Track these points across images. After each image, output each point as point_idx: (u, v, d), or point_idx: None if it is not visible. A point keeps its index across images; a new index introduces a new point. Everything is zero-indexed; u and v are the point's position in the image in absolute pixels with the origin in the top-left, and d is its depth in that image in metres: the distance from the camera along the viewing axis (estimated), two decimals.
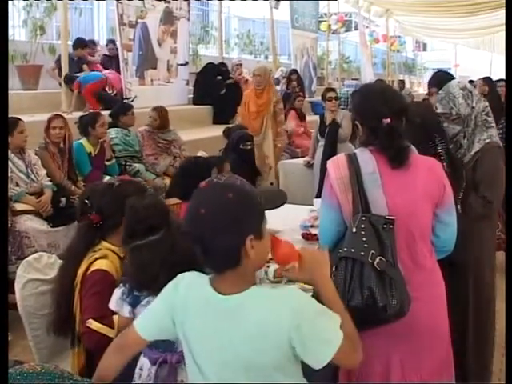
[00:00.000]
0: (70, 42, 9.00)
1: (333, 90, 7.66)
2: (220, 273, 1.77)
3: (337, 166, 2.47)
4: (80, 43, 9.08)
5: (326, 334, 1.75)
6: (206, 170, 3.64)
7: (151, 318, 1.94)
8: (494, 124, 3.35)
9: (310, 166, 7.46)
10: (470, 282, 3.35)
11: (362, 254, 2.26)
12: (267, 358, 1.74)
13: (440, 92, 3.43)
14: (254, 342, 1.72)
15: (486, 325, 3.50)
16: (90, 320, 2.40)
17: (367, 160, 2.43)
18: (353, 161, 2.44)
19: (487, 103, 3.37)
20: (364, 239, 2.28)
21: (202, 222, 1.69)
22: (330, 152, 6.43)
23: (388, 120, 2.40)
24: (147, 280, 2.26)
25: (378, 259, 2.24)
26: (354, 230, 2.31)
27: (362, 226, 2.30)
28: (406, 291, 2.28)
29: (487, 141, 3.25)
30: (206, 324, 1.78)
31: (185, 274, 1.89)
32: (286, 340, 1.71)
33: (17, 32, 9.79)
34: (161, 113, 6.91)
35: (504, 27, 15.77)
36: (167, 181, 6.60)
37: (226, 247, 1.69)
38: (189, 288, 1.85)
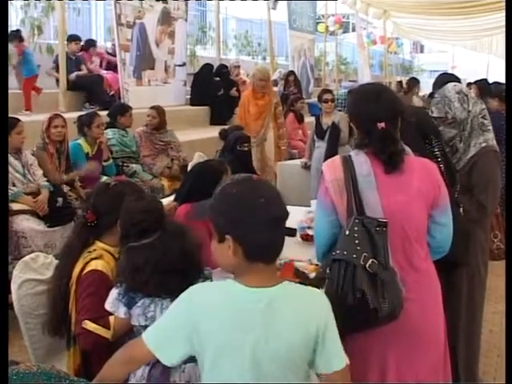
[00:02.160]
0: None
1: (329, 91, 7.65)
2: None
3: (332, 168, 2.47)
4: (71, 38, 9.11)
5: (339, 343, 1.86)
6: (219, 174, 3.62)
7: (164, 335, 1.85)
8: (490, 127, 3.35)
9: (307, 167, 7.45)
10: (463, 284, 3.37)
11: (355, 256, 2.26)
12: (296, 353, 1.81)
13: (436, 96, 3.42)
14: (287, 335, 1.78)
15: (475, 326, 3.52)
16: (86, 321, 2.39)
17: (362, 162, 2.43)
18: (348, 163, 2.44)
19: (484, 106, 3.37)
20: (357, 242, 2.27)
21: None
22: (331, 155, 6.42)
23: (382, 124, 2.40)
24: (138, 282, 2.27)
25: (370, 262, 2.24)
26: (347, 232, 2.30)
27: (355, 228, 2.30)
28: (398, 294, 2.29)
29: (483, 145, 3.26)
30: (237, 321, 1.78)
31: (193, 288, 1.87)
32: (313, 337, 1.81)
33: None
34: (159, 111, 6.95)
35: (501, 30, 15.83)
36: (164, 182, 6.62)
37: None
38: (207, 295, 1.84)
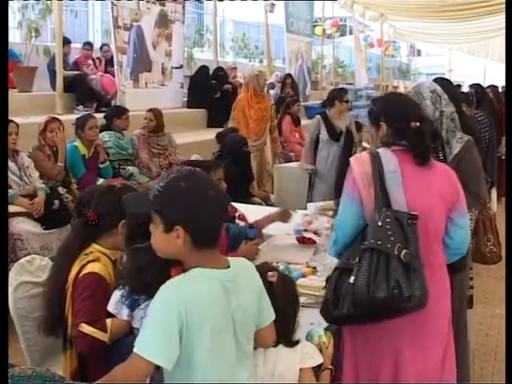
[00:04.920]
0: None
1: (346, 91, 7.39)
2: None
3: (360, 162, 2.60)
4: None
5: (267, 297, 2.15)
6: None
7: (160, 341, 1.82)
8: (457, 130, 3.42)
9: (313, 173, 6.87)
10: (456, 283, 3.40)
11: (389, 246, 2.37)
12: (254, 318, 2.05)
13: (410, 90, 3.52)
14: (250, 305, 2.01)
15: (465, 325, 3.55)
16: (83, 324, 2.38)
17: (390, 159, 2.57)
18: (376, 159, 2.57)
19: (454, 108, 3.41)
20: (389, 233, 2.40)
21: None
22: (347, 158, 6.19)
23: (417, 123, 2.59)
24: (142, 284, 2.25)
25: (404, 252, 2.36)
26: (380, 223, 2.42)
27: (388, 220, 2.42)
28: (425, 283, 2.40)
29: (466, 138, 3.33)
30: (221, 302, 1.91)
31: (169, 286, 1.89)
32: (259, 299, 2.06)
33: (11, 34, 9.76)
34: (157, 114, 6.93)
35: (498, 33, 15.85)
36: None
37: None
38: (190, 287, 1.88)
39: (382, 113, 2.77)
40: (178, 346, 1.82)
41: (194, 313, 1.82)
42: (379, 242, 2.39)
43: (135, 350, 1.81)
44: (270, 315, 2.13)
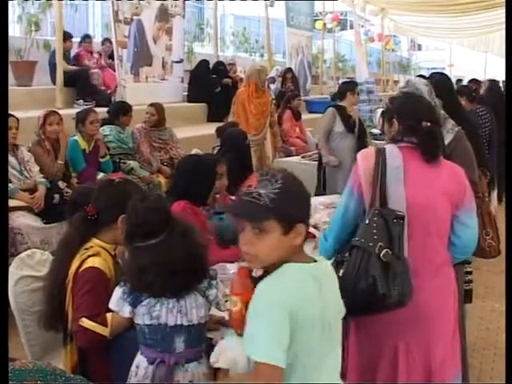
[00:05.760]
0: None
1: (357, 84, 7.47)
2: None
3: (365, 157, 2.65)
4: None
5: None
6: (208, 169, 3.62)
7: (282, 345, 1.79)
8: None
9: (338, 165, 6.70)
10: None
11: (371, 244, 2.44)
12: (340, 312, 2.04)
13: (407, 88, 3.55)
14: (336, 297, 2.02)
15: (463, 319, 3.57)
16: (83, 318, 2.38)
17: (395, 155, 2.61)
18: (381, 154, 2.61)
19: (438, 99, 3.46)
20: (374, 231, 2.46)
21: None
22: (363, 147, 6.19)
23: (428, 124, 2.63)
24: (144, 283, 2.26)
25: (384, 251, 2.41)
26: (367, 221, 2.49)
27: (375, 218, 2.48)
28: (408, 284, 2.45)
29: (456, 129, 3.39)
30: (320, 295, 1.91)
31: (272, 286, 1.86)
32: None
33: (11, 28, 9.73)
34: (158, 108, 6.94)
35: (499, 27, 15.80)
36: (161, 178, 6.61)
37: None
38: (293, 286, 1.86)
39: (395, 110, 2.83)
40: (287, 345, 1.80)
41: (299, 310, 1.81)
42: (362, 240, 2.47)
43: (256, 358, 1.78)
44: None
